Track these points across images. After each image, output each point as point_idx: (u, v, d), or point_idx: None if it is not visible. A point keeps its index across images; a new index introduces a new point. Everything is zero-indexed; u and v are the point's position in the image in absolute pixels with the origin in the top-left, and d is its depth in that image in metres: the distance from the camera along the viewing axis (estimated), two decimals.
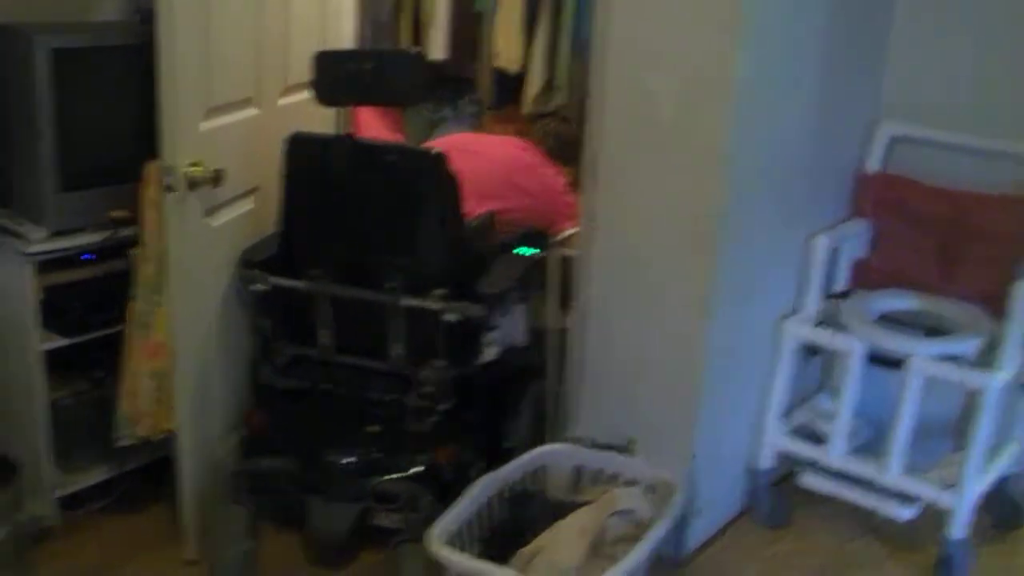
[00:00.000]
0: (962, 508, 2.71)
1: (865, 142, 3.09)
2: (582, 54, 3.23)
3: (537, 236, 3.13)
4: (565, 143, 3.21)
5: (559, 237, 3.13)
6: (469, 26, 3.48)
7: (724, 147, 2.47)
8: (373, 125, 3.25)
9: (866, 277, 3.11)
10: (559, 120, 3.33)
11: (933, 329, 2.91)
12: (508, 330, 2.88)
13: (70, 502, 2.84)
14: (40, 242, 2.56)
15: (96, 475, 2.88)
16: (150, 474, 2.94)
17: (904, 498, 2.80)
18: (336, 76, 2.55)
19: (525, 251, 3.05)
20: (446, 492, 2.63)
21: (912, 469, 2.80)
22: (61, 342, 2.69)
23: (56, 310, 2.67)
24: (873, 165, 3.08)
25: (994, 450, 2.81)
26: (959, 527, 2.73)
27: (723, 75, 2.43)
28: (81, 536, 2.82)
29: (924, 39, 3.02)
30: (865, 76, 3.03)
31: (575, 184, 2.89)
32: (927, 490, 2.76)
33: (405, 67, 2.57)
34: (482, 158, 3.03)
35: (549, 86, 3.34)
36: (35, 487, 2.71)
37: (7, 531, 2.51)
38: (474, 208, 2.88)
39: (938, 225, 3.01)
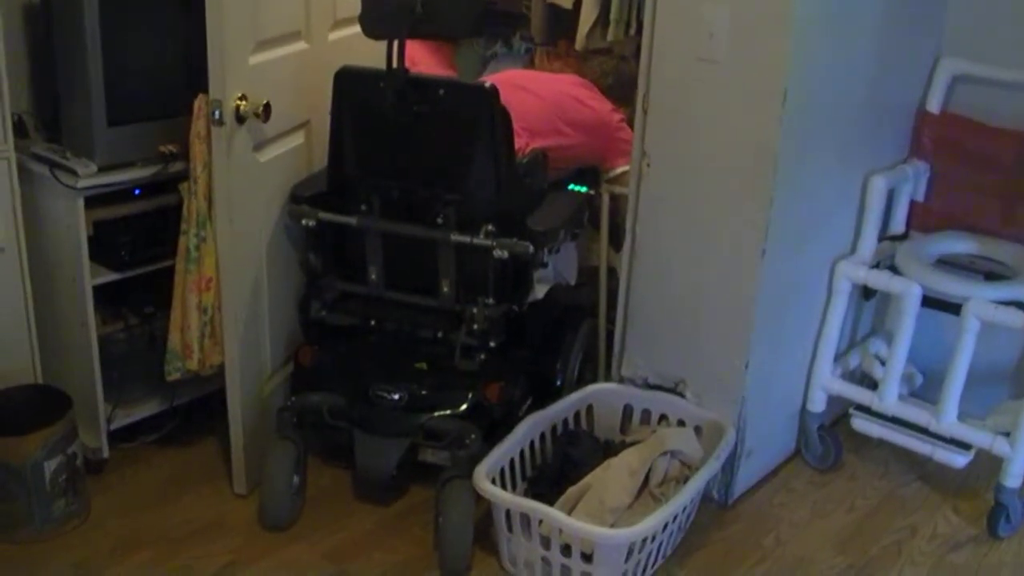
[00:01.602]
0: (1017, 456, 2.67)
1: (926, 80, 3.00)
2: None
3: (589, 174, 3.10)
4: (623, 83, 3.15)
5: (610, 175, 3.09)
6: None
7: (782, 82, 2.41)
8: (423, 61, 3.21)
9: (924, 219, 3.05)
10: (617, 59, 3.27)
11: (993, 273, 2.85)
12: (558, 268, 2.86)
13: (122, 435, 2.89)
14: (89, 177, 2.56)
15: (147, 409, 2.91)
16: (201, 408, 2.97)
17: (959, 444, 2.76)
18: (385, 9, 2.51)
19: (577, 188, 3.01)
20: (494, 430, 2.64)
21: (967, 415, 2.75)
22: (111, 277, 2.70)
23: (106, 245, 2.69)
24: (934, 104, 2.99)
25: None
26: (1014, 475, 2.69)
27: (783, 6, 2.36)
28: (133, 469, 2.87)
29: None
30: (928, 12, 2.94)
31: (632, 123, 2.84)
32: (981, 437, 2.71)
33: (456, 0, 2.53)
34: (534, 95, 2.98)
35: (603, 21, 3.27)
36: (88, 420, 2.74)
37: (61, 462, 2.55)
38: (526, 144, 2.84)
39: (1000, 166, 2.93)
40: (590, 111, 3.04)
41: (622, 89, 3.14)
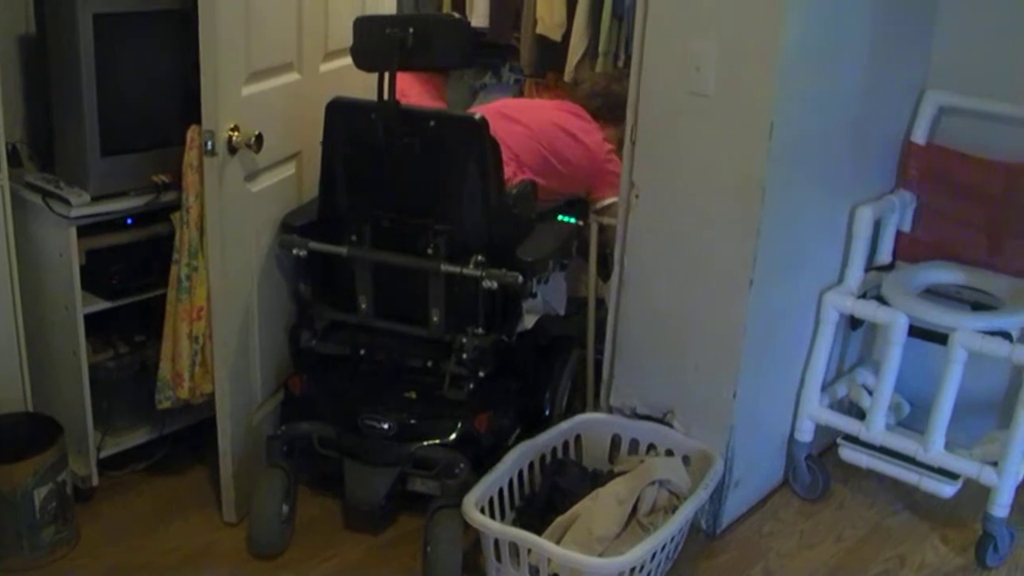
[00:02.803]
0: (1004, 486, 2.67)
1: (912, 112, 3.03)
2: (625, 20, 3.20)
3: (578, 205, 3.12)
4: (612, 105, 3.16)
5: (599, 205, 3.11)
6: None
7: (769, 114, 2.43)
8: (414, 92, 3.24)
9: (911, 250, 3.07)
10: (608, 78, 3.28)
11: (979, 304, 2.87)
12: (547, 298, 2.87)
13: (112, 463, 2.89)
14: (82, 206, 2.57)
15: (137, 437, 2.91)
16: (190, 437, 2.97)
17: (946, 474, 2.76)
18: (376, 41, 2.54)
19: (566, 219, 3.03)
20: (483, 459, 2.64)
21: (954, 445, 2.76)
22: (102, 306, 2.71)
23: (98, 274, 2.70)
24: (920, 135, 3.02)
25: None
26: (1001, 505, 2.70)
27: (769, 40, 2.39)
28: (122, 497, 2.86)
29: (973, 7, 2.96)
30: (913, 44, 2.98)
31: (622, 145, 2.86)
32: (969, 466, 2.72)
33: (447, 32, 2.56)
34: (523, 125, 3.01)
35: (592, 53, 3.31)
36: (78, 448, 2.75)
37: (51, 490, 2.54)
38: (514, 175, 2.87)
39: (986, 197, 2.95)
40: (579, 145, 3.07)
41: (611, 111, 3.16)
